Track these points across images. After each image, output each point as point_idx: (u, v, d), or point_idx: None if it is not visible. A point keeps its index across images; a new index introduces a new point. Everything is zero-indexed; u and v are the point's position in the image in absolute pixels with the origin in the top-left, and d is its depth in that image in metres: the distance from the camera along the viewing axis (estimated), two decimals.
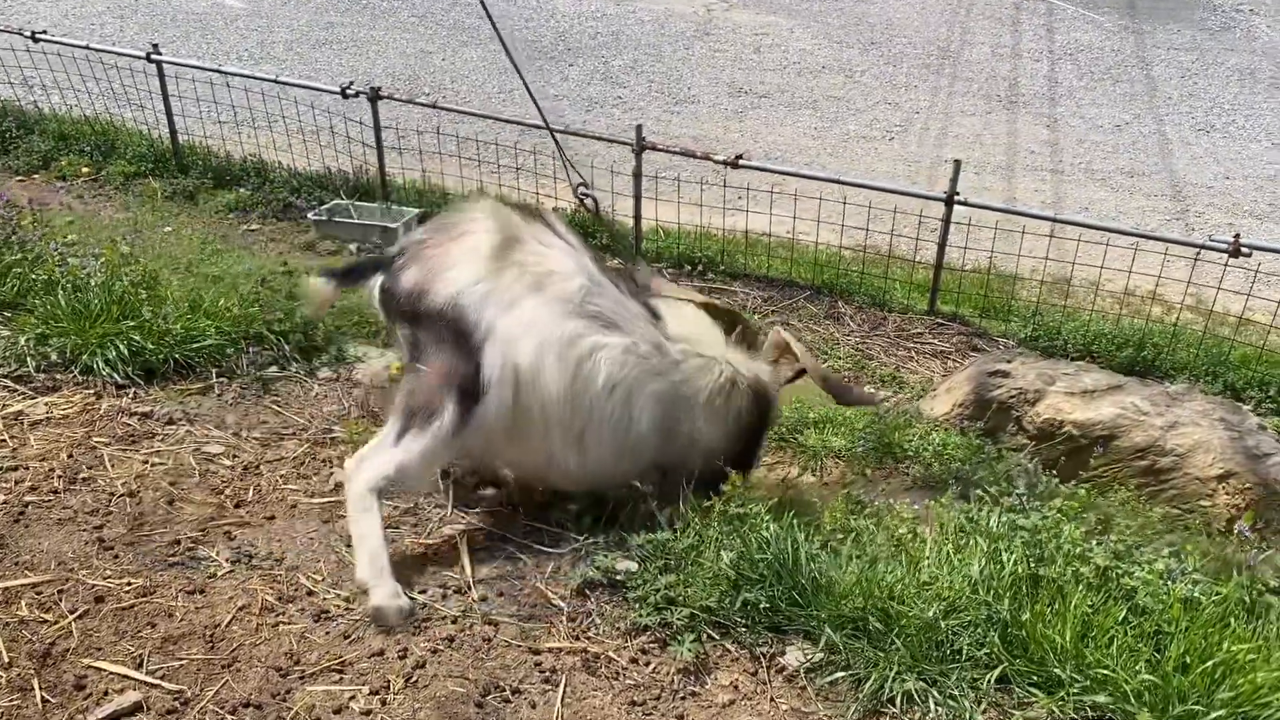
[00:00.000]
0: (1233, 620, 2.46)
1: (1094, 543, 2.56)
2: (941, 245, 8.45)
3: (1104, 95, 13.05)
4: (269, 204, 9.98)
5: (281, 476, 3.32)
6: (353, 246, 9.48)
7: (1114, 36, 15.50)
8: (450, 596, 2.74)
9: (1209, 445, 5.19)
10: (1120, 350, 8.03)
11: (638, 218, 9.38)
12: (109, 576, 2.81)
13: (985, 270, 9.09)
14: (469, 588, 2.77)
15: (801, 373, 3.66)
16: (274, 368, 4.08)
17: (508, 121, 10.95)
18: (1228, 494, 5.09)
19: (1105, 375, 5.73)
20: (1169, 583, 2.42)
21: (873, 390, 4.14)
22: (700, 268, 9.30)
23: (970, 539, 2.62)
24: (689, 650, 2.50)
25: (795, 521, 2.72)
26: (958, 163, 8.12)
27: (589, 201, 4.34)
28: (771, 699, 2.42)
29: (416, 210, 9.82)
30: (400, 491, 3.10)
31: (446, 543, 2.96)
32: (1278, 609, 2.49)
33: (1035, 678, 2.36)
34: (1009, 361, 5.96)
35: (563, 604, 2.71)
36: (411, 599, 2.71)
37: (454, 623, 2.64)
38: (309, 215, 9.55)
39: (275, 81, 10.12)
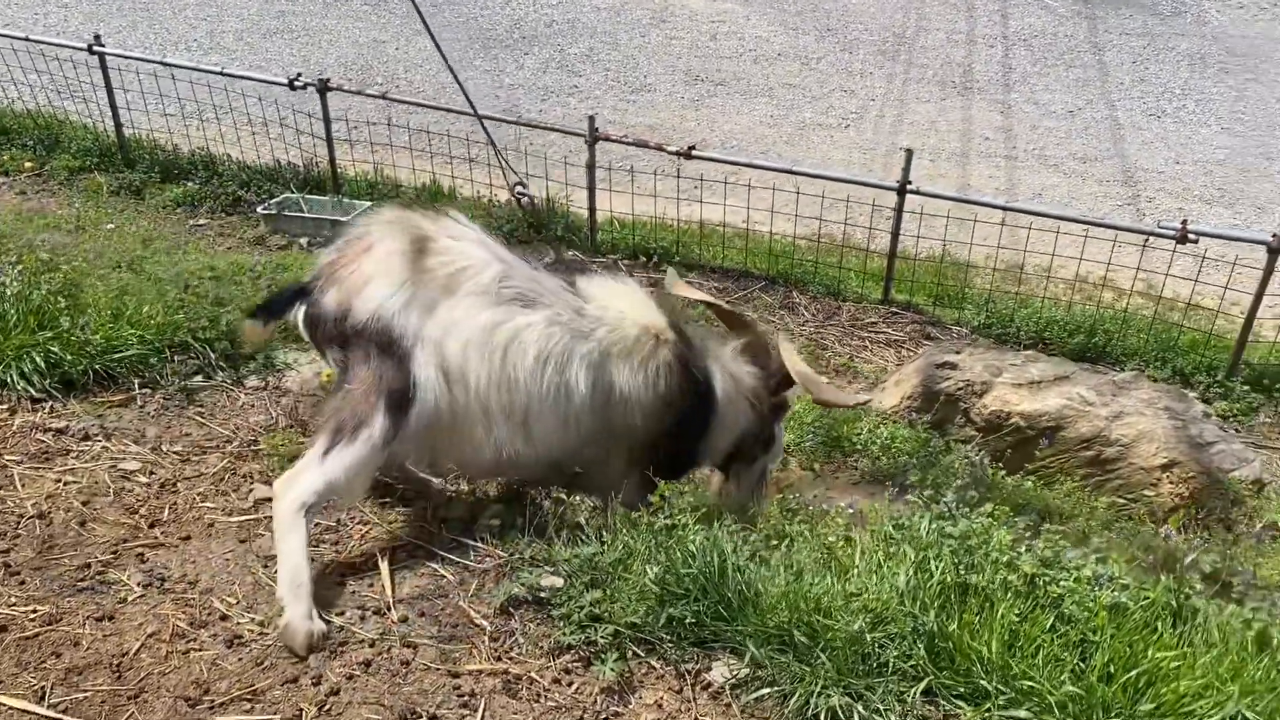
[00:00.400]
0: (1160, 625, 2.44)
1: (1023, 549, 2.52)
2: (895, 234, 8.43)
3: (1057, 81, 13.10)
4: (218, 198, 9.79)
5: (200, 494, 3.22)
6: (303, 241, 9.31)
7: (1067, 22, 15.56)
8: (369, 618, 2.66)
9: (1153, 435, 5.20)
10: (1072, 337, 8.07)
11: (592, 209, 9.29)
12: (13, 604, 2.70)
13: (939, 258, 9.09)
14: (389, 608, 2.68)
15: (788, 377, 3.64)
16: (199, 377, 3.95)
17: (460, 113, 10.81)
18: (1171, 483, 5.11)
19: (1052, 365, 5.74)
20: (1096, 589, 2.39)
21: (862, 396, 4.11)
22: (655, 259, 9.23)
23: (899, 547, 2.58)
24: (612, 670, 2.44)
25: (725, 532, 2.67)
26: (909, 152, 8.10)
27: (525, 200, 4.24)
28: (696, 717, 2.37)
29: (369, 203, 9.65)
30: (330, 507, 3.02)
31: (368, 560, 2.87)
32: (1204, 612, 2.47)
33: (962, 689, 2.33)
34: (957, 353, 5.96)
35: (485, 623, 2.63)
36: (328, 621, 2.63)
37: (371, 646, 2.56)
38: (258, 209, 9.38)
39: (221, 74, 9.92)
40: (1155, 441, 5.18)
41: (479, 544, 2.89)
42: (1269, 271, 7.23)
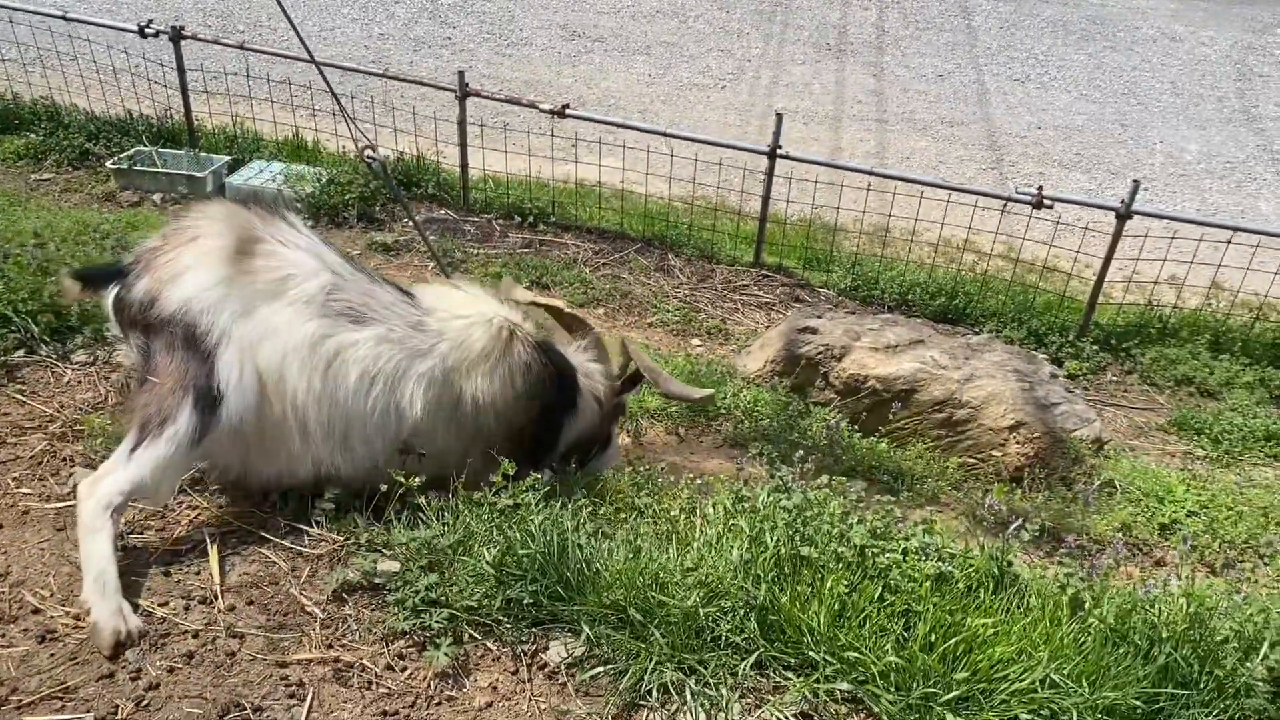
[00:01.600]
0: (982, 592, 2.54)
1: (855, 520, 2.58)
2: (765, 198, 8.52)
3: (928, 45, 13.38)
4: (64, 151, 9.21)
5: (15, 479, 3.02)
6: (156, 197, 8.86)
7: None
8: (195, 607, 2.55)
9: (1002, 397, 5.41)
10: (934, 299, 8.32)
11: (464, 167, 9.09)
12: None
13: (809, 222, 9.24)
14: (216, 597, 2.58)
15: (638, 375, 3.65)
16: (21, 351, 3.69)
17: (323, 64, 10.39)
18: (1018, 443, 5.33)
19: (908, 329, 5.90)
20: (922, 560, 2.47)
21: (706, 392, 4.26)
22: (531, 219, 9.11)
23: (737, 520, 2.61)
24: (445, 654, 2.40)
25: (567, 510, 2.65)
26: (779, 116, 8.16)
27: (374, 164, 4.09)
28: (531, 697, 2.36)
29: (227, 158, 9.24)
30: (140, 504, 2.85)
31: (197, 546, 2.75)
32: (1024, 577, 2.58)
33: (791, 660, 2.38)
34: (819, 317, 6.07)
35: (317, 611, 2.55)
36: (149, 613, 2.51)
37: (196, 637, 2.45)
38: (108, 164, 8.88)
39: (65, 18, 9.29)
40: (1004, 403, 5.39)
41: (313, 528, 2.80)
42: (1117, 236, 7.58)
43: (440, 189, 9.39)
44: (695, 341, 7.75)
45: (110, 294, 2.98)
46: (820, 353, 5.73)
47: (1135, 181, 7.33)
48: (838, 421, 5.17)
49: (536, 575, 2.50)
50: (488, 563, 2.50)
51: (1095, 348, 7.92)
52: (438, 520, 2.68)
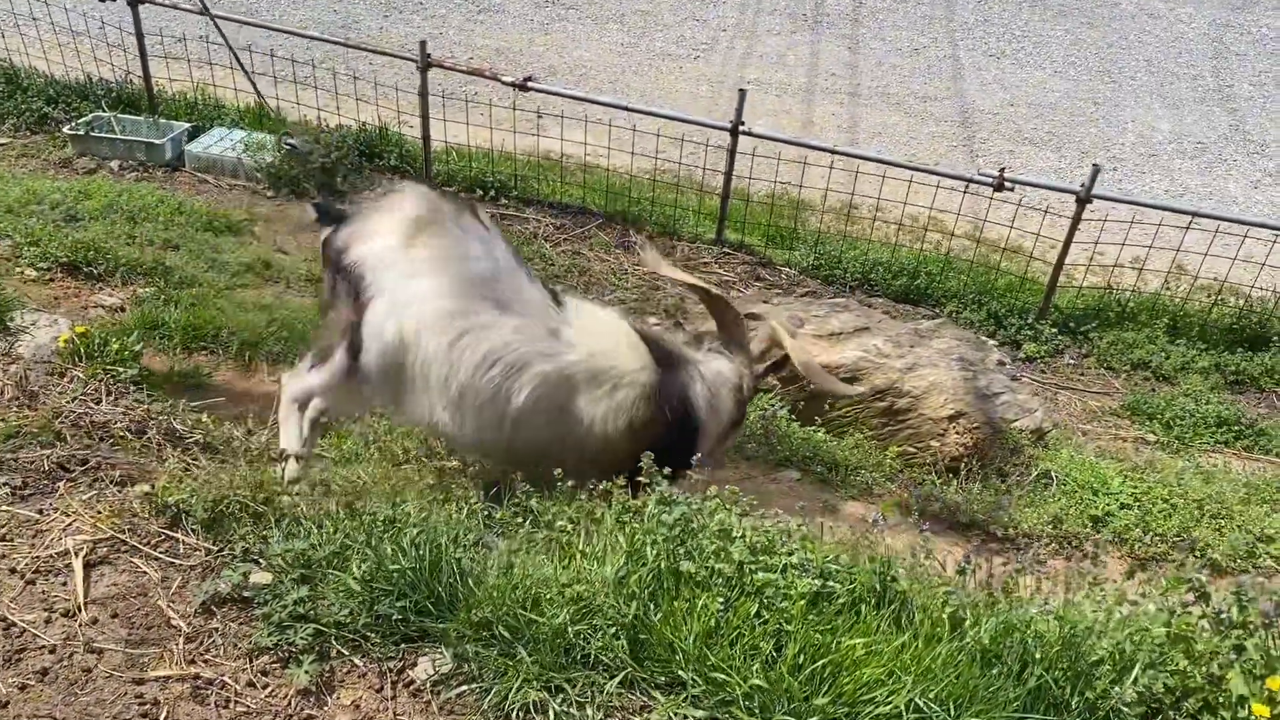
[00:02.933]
0: (864, 608, 2.51)
1: (739, 534, 2.54)
2: (728, 175, 8.42)
3: (904, 17, 13.19)
4: (21, 115, 9.06)
5: None
6: (114, 164, 8.73)
7: None
8: (56, 620, 2.50)
9: (943, 386, 5.37)
10: (895, 279, 8.26)
11: (426, 138, 8.96)
12: None
13: (773, 199, 9.15)
14: (79, 610, 2.54)
15: (785, 360, 3.79)
16: None
17: (287, 31, 10.22)
18: (957, 433, 5.31)
19: (855, 315, 5.84)
20: (799, 576, 2.43)
21: (852, 383, 4.43)
22: (493, 192, 9.01)
23: (616, 535, 2.57)
24: (307, 672, 2.36)
25: (447, 520, 2.60)
26: (742, 93, 8.05)
27: (294, 150, 4.01)
28: (394, 715, 2.32)
29: (187, 125, 9.09)
30: (39, 493, 2.83)
31: (63, 557, 2.70)
32: (907, 593, 2.55)
33: (662, 679, 2.35)
34: (765, 303, 6.00)
35: (183, 624, 2.49)
36: (10, 624, 2.46)
37: (53, 652, 2.40)
38: (65, 129, 8.74)
39: None
40: (944, 393, 5.35)
41: (190, 536, 2.75)
42: (1077, 220, 7.52)
43: (403, 161, 9.27)
44: (653, 320, 7.69)
45: (325, 232, 3.50)
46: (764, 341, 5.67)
47: (1095, 166, 7.26)
48: (774, 410, 5.12)
49: (407, 590, 2.45)
50: (356, 578, 2.46)
51: (1054, 330, 7.89)
52: (318, 530, 2.64)
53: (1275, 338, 7.71)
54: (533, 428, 3.37)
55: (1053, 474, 5.27)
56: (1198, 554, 4.93)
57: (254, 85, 4.06)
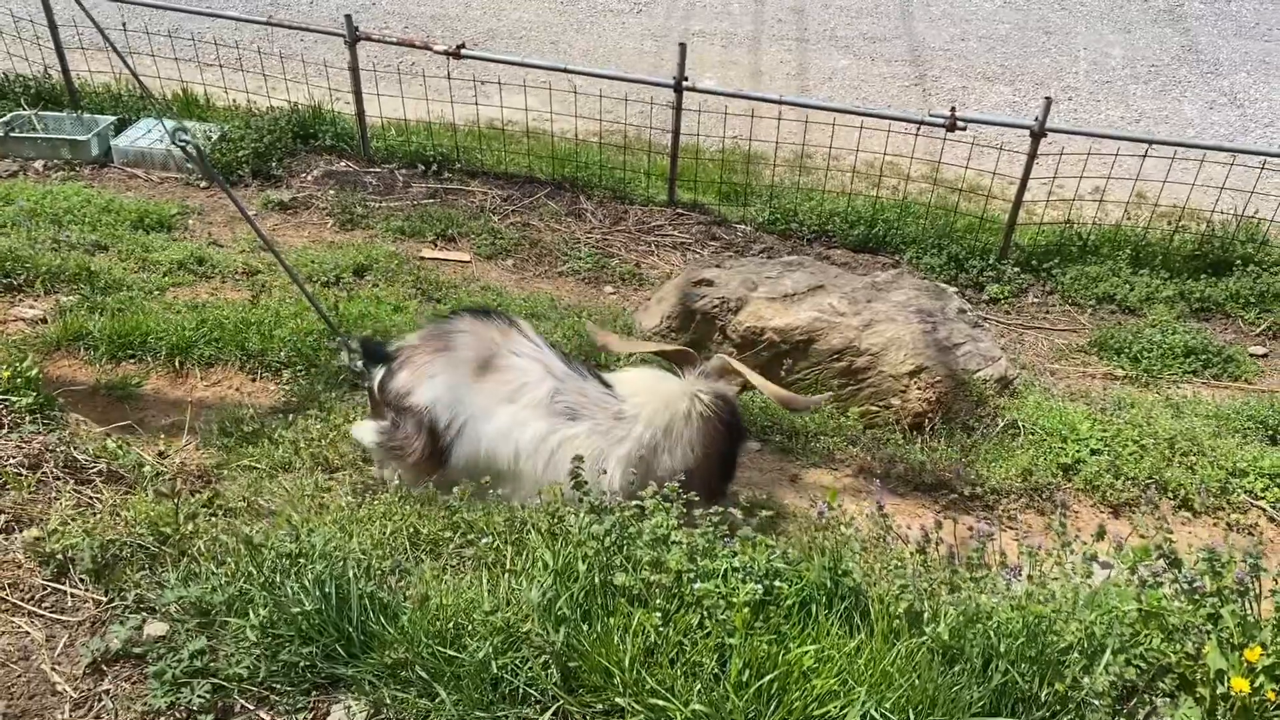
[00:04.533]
0: (815, 608, 2.33)
1: (673, 540, 2.35)
2: (675, 133, 8.15)
3: None
4: None
5: None
6: (39, 164, 8.37)
7: None
8: None
9: (901, 341, 5.20)
10: (853, 228, 8.05)
11: (360, 115, 8.63)
12: None
13: (724, 154, 8.89)
14: None
15: (745, 387, 3.99)
16: None
17: (208, 14, 9.81)
18: (919, 389, 5.14)
19: (809, 274, 5.64)
20: (742, 582, 2.25)
21: (820, 396, 4.73)
22: (436, 167, 8.71)
23: (542, 552, 2.37)
24: None
25: (356, 553, 2.39)
26: (683, 47, 7.75)
27: (190, 150, 3.72)
28: None
29: (112, 118, 8.72)
30: None
31: None
32: (860, 587, 2.37)
33: (599, 707, 2.17)
34: (717, 266, 5.79)
35: (69, 689, 2.25)
36: None
37: None
38: None
39: None
40: (903, 348, 5.18)
41: (78, 587, 2.52)
42: (1032, 156, 7.32)
43: (339, 140, 8.96)
44: (609, 289, 7.47)
45: (377, 375, 3.71)
46: (716, 306, 5.47)
47: (1047, 99, 7.04)
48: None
49: (314, 634, 2.25)
50: (256, 625, 2.24)
51: (1016, 270, 7.73)
52: (217, 568, 2.42)
53: (1238, 261, 7.59)
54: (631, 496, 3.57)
55: (1020, 423, 5.12)
56: (1171, 494, 4.81)
57: (131, 70, 3.76)
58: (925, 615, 2.31)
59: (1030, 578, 2.56)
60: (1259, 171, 7.32)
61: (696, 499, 2.65)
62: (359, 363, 3.88)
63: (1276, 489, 4.91)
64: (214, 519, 2.85)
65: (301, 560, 2.32)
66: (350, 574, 2.29)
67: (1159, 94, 10.03)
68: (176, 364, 5.34)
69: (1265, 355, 7.09)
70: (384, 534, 2.66)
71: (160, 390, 5.24)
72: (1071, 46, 10.81)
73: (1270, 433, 5.73)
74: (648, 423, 3.70)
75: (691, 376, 3.85)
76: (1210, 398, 6.35)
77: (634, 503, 2.56)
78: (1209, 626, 2.39)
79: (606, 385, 3.79)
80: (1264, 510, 4.82)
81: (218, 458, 4.18)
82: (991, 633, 2.20)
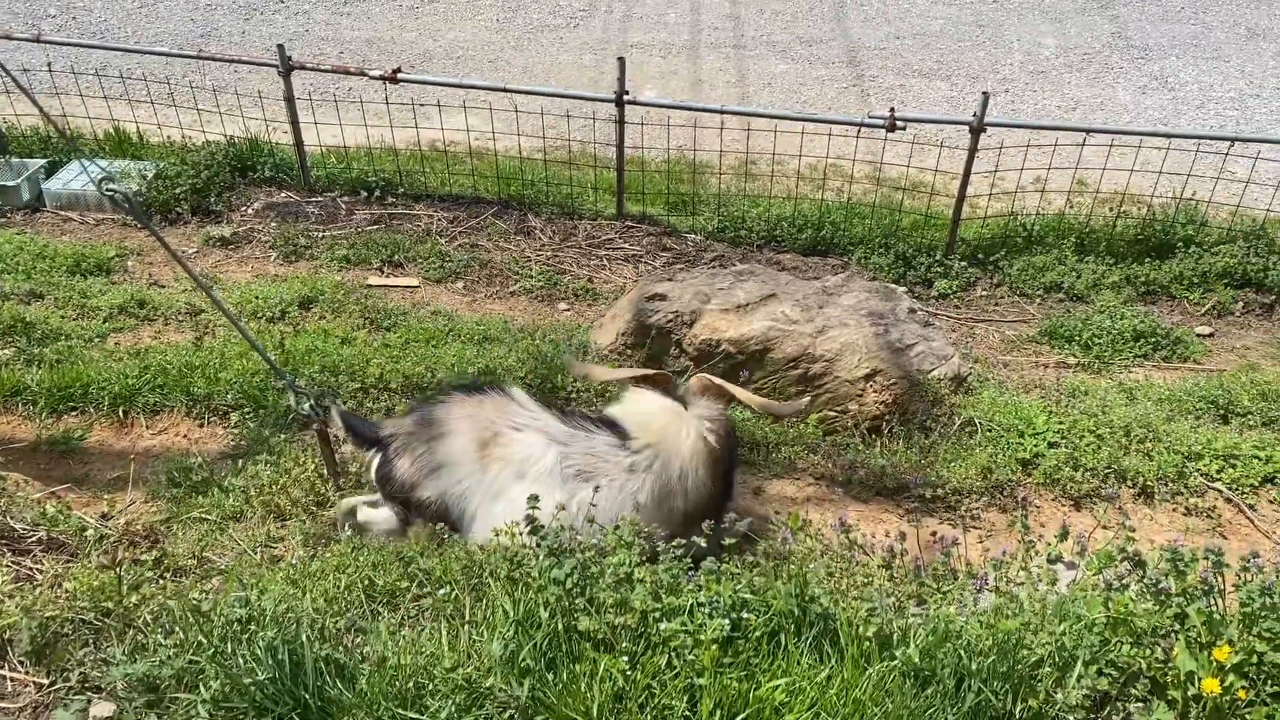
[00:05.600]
0: (784, 637, 2.29)
1: (637, 579, 2.30)
2: (620, 147, 8.11)
3: None
4: None
5: None
6: None
7: None
8: None
9: (855, 346, 5.20)
10: (801, 232, 8.06)
11: (299, 144, 8.50)
12: None
13: (670, 165, 8.88)
14: None
15: (730, 401, 3.96)
16: None
17: (138, 51, 9.64)
18: (875, 391, 5.14)
19: (761, 283, 5.63)
20: (709, 617, 2.21)
21: (801, 401, 4.68)
22: (379, 192, 8.60)
23: (505, 598, 2.31)
24: None
25: (310, 612, 2.31)
26: (622, 61, 7.72)
27: (119, 198, 3.61)
28: None
29: (42, 161, 8.51)
30: None
31: None
32: (828, 612, 2.34)
33: None
34: (669, 280, 5.75)
35: None
36: None
37: None
38: None
39: None
40: (857, 353, 5.18)
41: (17, 671, 2.41)
42: (973, 150, 7.38)
43: (279, 170, 8.81)
44: (562, 306, 7.41)
45: (373, 461, 3.63)
46: (670, 320, 5.44)
47: (985, 94, 7.11)
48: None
49: (268, 705, 2.17)
50: (205, 700, 2.16)
51: (964, 264, 7.78)
52: (165, 639, 2.32)
53: (1180, 243, 7.71)
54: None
55: (976, 421, 5.13)
56: (1130, 483, 4.85)
57: (43, 113, 3.64)
58: (895, 637, 2.28)
59: (997, 589, 2.55)
60: (1194, 154, 7.44)
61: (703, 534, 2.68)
62: (306, 405, 3.77)
63: (1231, 470, 4.97)
64: (162, 582, 2.75)
65: (253, 626, 2.24)
66: (304, 637, 2.21)
67: (1093, 81, 10.18)
68: (121, 414, 5.20)
69: (1211, 334, 7.20)
70: (338, 589, 2.58)
71: (105, 442, 5.10)
72: (1005, 39, 10.94)
73: (1221, 412, 5.82)
74: (660, 472, 3.70)
75: (693, 408, 3.83)
76: (1162, 380, 6.43)
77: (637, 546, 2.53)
78: (1176, 627, 2.39)
79: (612, 427, 3.76)
80: (1220, 492, 4.87)
81: (167, 511, 4.07)
82: (962, 651, 2.18)
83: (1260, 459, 5.01)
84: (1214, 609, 2.42)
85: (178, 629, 2.34)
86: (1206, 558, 2.46)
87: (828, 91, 10.23)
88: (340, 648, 2.28)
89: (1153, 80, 10.25)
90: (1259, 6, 12.13)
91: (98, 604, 2.44)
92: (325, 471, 4.01)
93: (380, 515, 3.73)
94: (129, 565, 2.65)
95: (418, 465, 3.54)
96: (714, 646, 2.14)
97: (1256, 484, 4.94)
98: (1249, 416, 5.73)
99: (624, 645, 2.19)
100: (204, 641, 2.24)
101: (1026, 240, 7.92)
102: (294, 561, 2.84)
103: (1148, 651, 2.27)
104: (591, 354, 5.72)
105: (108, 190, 3.56)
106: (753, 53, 10.99)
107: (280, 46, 8.09)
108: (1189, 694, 2.27)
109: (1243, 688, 2.24)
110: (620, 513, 3.53)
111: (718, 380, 3.92)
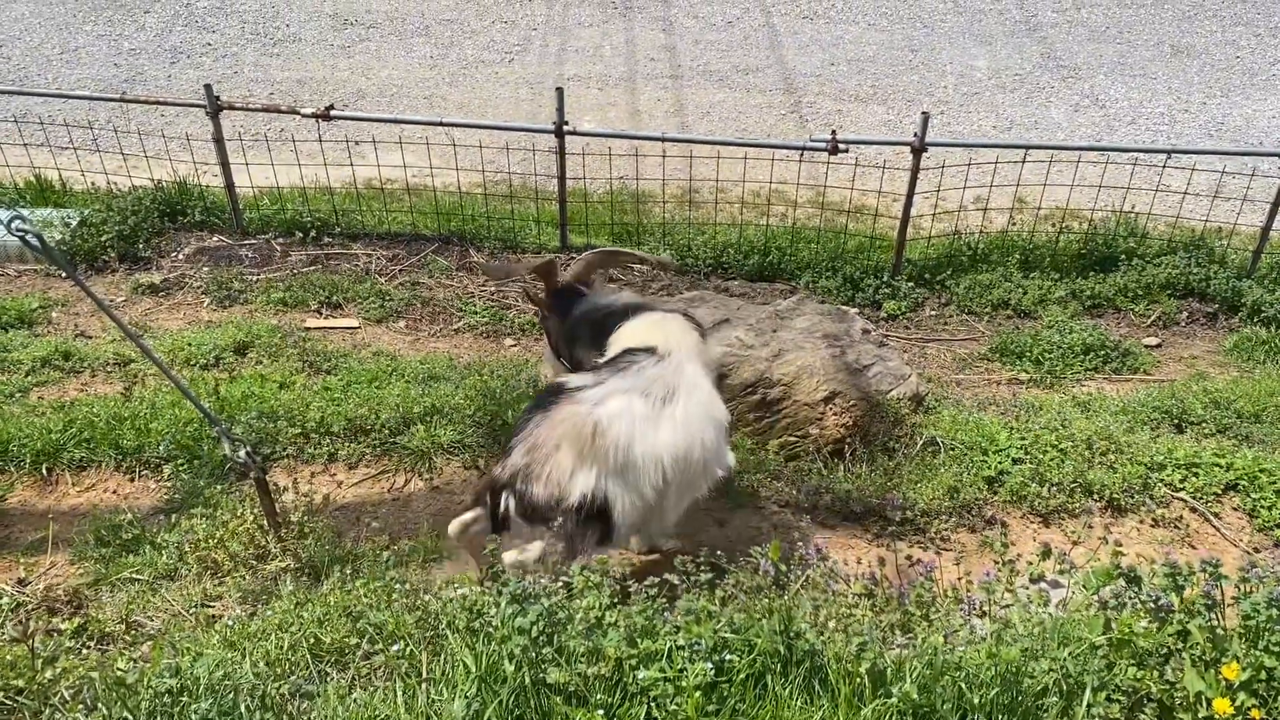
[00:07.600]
0: (770, 679, 2.13)
1: (609, 623, 2.12)
2: (561, 178, 7.98)
3: None
4: None
5: None
6: None
7: None
8: None
9: (813, 369, 5.08)
10: (748, 259, 7.98)
11: (230, 186, 8.22)
12: None
13: (612, 195, 8.76)
14: None
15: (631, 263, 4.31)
16: None
17: (59, 95, 9.30)
18: (835, 414, 5.02)
19: (713, 308, 5.50)
20: (689, 662, 2.03)
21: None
22: (314, 233, 8.34)
23: (466, 652, 2.11)
24: None
25: (249, 677, 2.08)
26: (560, 92, 7.61)
27: (31, 239, 3.36)
28: None
29: None
30: None
31: None
32: (813, 648, 2.18)
33: None
34: None
35: None
36: None
37: None
38: None
39: None
40: (815, 375, 5.06)
41: None
42: (915, 171, 7.38)
43: (210, 214, 8.51)
44: (509, 341, 7.22)
45: (509, 502, 3.57)
46: None
47: (924, 114, 7.12)
48: None
49: None
50: None
51: (911, 284, 7.76)
52: (86, 717, 2.08)
53: (1122, 256, 7.77)
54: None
55: (939, 440, 5.04)
56: (1096, 496, 4.78)
57: None
58: (889, 672, 2.12)
59: (985, 614, 2.40)
60: (1131, 168, 7.53)
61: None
62: (243, 451, 3.53)
63: (1194, 479, 4.93)
64: (85, 652, 2.50)
65: (184, 698, 2.01)
66: (243, 707, 1.99)
67: (1025, 101, 10.32)
68: (44, 471, 4.89)
69: (1159, 345, 7.25)
70: (281, 649, 2.36)
71: (27, 502, 4.77)
72: (938, 62, 11.08)
73: (1176, 422, 5.81)
74: (698, 356, 4.01)
75: (661, 310, 4.12)
76: (1114, 392, 6.43)
77: (559, 582, 2.34)
78: (1179, 644, 2.26)
79: (636, 354, 3.91)
80: (1185, 502, 4.82)
81: (94, 573, 3.79)
82: (963, 685, 2.03)
83: (1221, 466, 4.98)
84: (1215, 623, 2.30)
85: (100, 705, 2.10)
86: (1204, 570, 2.35)
87: (766, 118, 10.23)
88: (284, 716, 2.06)
89: (1084, 98, 10.43)
90: (1181, 24, 12.47)
91: (7, 682, 2.18)
92: (265, 523, 3.76)
93: (530, 552, 3.61)
94: (44, 635, 2.40)
95: (555, 480, 3.58)
96: (697, 694, 1.96)
97: (1219, 492, 4.91)
98: (1203, 424, 5.74)
99: (598, 697, 2.01)
100: (129, 718, 2.01)
101: (972, 259, 7.93)
102: (230, 622, 2.60)
103: (1155, 674, 2.13)
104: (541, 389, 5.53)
105: (17, 230, 3.31)
106: (690, 82, 10.97)
107: (208, 87, 7.85)
108: (1199, 716, 2.14)
109: (1254, 706, 2.12)
110: (714, 395, 3.90)
111: (611, 247, 4.04)
